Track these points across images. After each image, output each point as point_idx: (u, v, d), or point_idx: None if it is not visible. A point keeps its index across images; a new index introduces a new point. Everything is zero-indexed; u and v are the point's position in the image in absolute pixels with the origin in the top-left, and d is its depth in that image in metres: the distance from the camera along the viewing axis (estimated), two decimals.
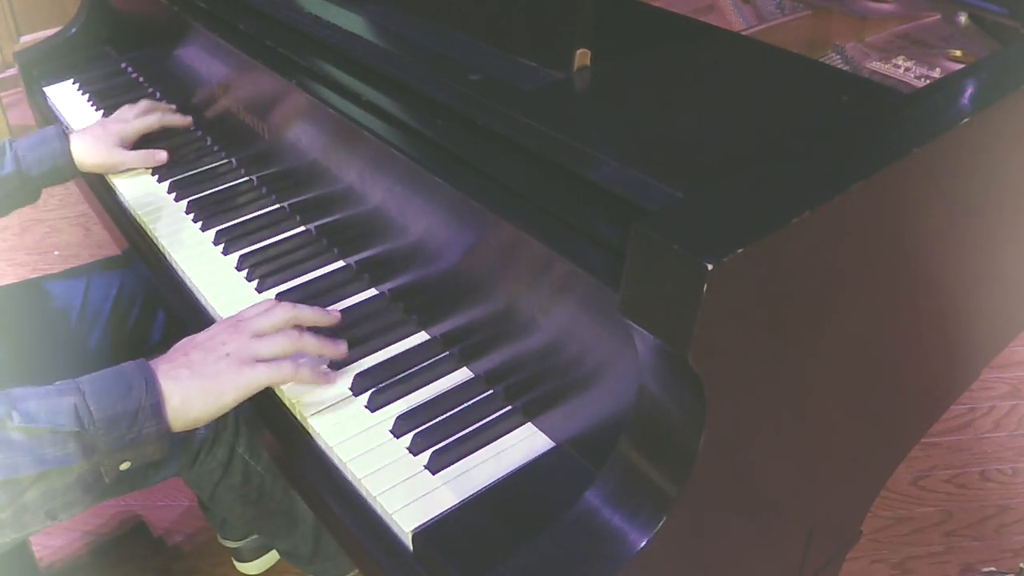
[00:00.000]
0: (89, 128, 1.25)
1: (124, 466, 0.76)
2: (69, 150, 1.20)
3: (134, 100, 1.47)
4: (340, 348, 0.88)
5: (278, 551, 1.39)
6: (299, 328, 0.86)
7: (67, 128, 1.25)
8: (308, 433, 0.87)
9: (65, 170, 1.20)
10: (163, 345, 1.18)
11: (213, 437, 1.09)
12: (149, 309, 1.28)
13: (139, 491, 1.10)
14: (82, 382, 0.75)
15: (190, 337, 0.83)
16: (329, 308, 0.95)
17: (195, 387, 0.78)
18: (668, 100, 0.87)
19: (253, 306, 0.88)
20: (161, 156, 1.26)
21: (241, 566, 1.50)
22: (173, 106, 1.34)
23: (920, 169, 0.70)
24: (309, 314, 0.88)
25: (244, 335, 0.82)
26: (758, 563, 0.86)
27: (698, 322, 0.57)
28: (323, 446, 0.85)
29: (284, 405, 0.90)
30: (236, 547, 1.48)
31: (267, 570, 1.51)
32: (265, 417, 0.91)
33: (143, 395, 0.75)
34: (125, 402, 0.74)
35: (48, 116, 1.54)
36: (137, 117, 1.27)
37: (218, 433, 1.09)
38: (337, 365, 0.91)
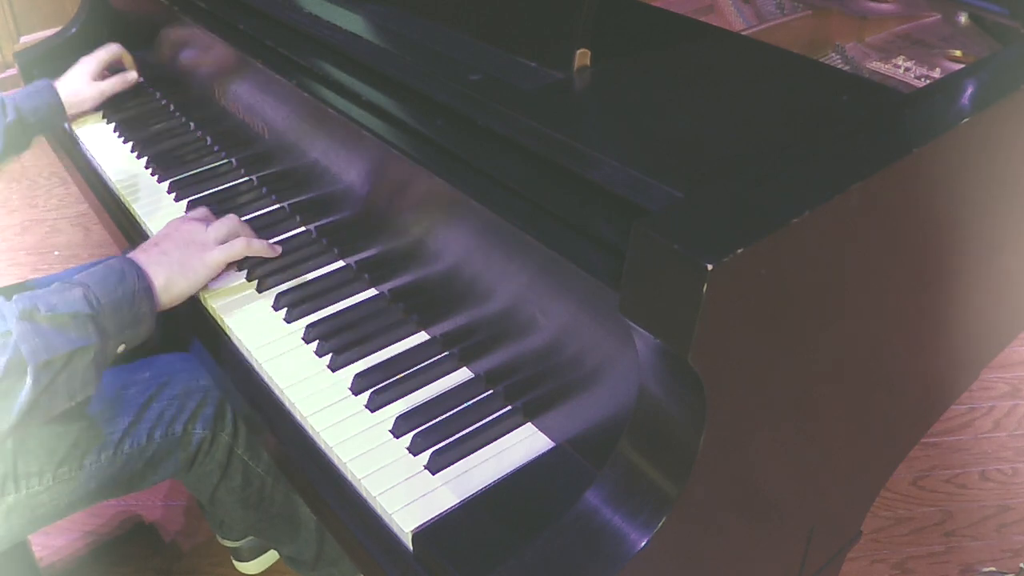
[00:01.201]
0: (65, 77, 1.41)
1: (120, 349, 0.91)
2: (59, 98, 1.35)
3: (134, 100, 1.48)
4: (276, 249, 1.07)
5: (281, 556, 1.39)
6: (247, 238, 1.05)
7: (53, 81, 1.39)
8: (308, 433, 0.87)
9: (57, 116, 1.36)
10: (166, 352, 1.20)
11: (211, 437, 1.09)
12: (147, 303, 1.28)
13: (139, 491, 1.10)
14: (81, 277, 0.88)
15: (155, 236, 1.02)
16: (329, 309, 0.99)
17: (175, 269, 0.95)
18: (668, 100, 0.87)
19: (197, 211, 1.09)
20: (131, 76, 1.45)
21: (240, 565, 1.50)
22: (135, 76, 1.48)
23: (920, 169, 0.70)
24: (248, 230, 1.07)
25: (200, 227, 1.02)
26: (758, 563, 0.86)
27: (698, 322, 0.57)
28: (323, 446, 0.85)
29: (284, 405, 0.90)
30: (235, 547, 1.48)
31: (266, 569, 1.51)
32: (265, 417, 0.91)
33: (135, 280, 0.90)
34: (123, 287, 0.89)
35: None
36: (98, 57, 1.43)
37: (216, 433, 1.09)
38: (338, 364, 0.92)
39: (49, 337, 0.82)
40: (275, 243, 1.10)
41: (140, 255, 0.95)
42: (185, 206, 1.19)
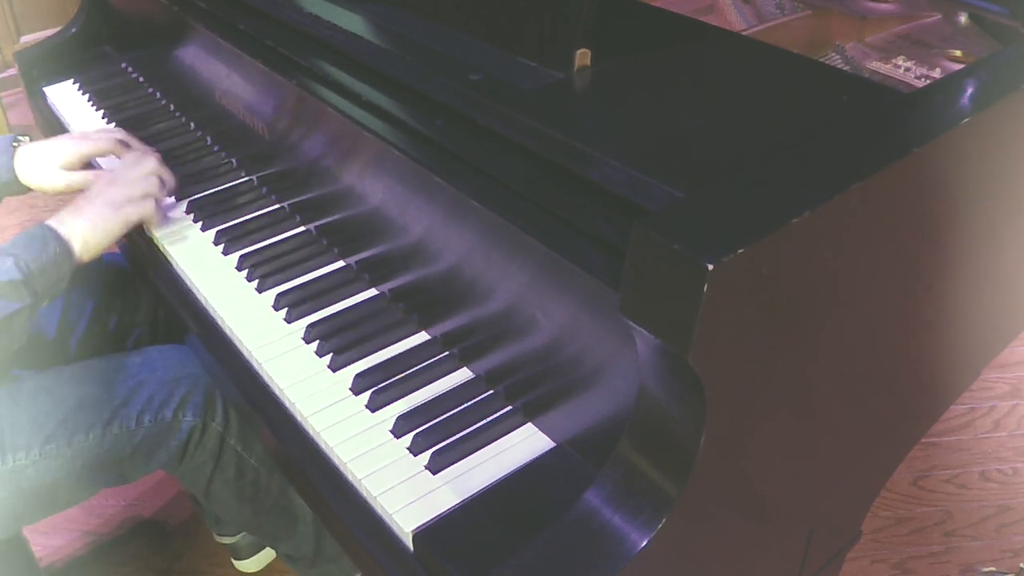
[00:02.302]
0: (39, 143, 1.21)
1: (45, 303, 1.02)
2: (12, 167, 1.17)
3: (134, 100, 1.48)
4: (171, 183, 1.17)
5: (279, 555, 1.39)
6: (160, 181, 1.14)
7: (24, 139, 1.20)
8: (308, 433, 0.87)
9: (10, 185, 1.18)
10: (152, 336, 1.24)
11: (202, 426, 1.09)
12: (128, 317, 1.28)
13: (139, 491, 1.11)
14: (7, 247, 0.98)
15: (79, 196, 1.09)
16: (329, 309, 1.00)
17: (88, 229, 1.04)
18: (668, 100, 0.87)
19: (124, 163, 1.16)
20: (91, 175, 1.18)
21: (239, 564, 1.50)
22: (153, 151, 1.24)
23: (920, 169, 0.70)
24: (165, 172, 1.16)
25: (119, 187, 1.10)
26: (758, 563, 0.86)
27: (698, 322, 0.57)
28: (323, 446, 0.85)
29: (284, 404, 0.90)
30: (232, 543, 1.48)
31: (265, 567, 1.50)
32: (266, 417, 0.91)
33: (56, 245, 1.00)
34: (47, 252, 0.99)
35: (48, 116, 1.54)
36: (88, 141, 1.20)
37: (207, 422, 1.09)
38: (338, 364, 0.92)
39: None
40: (276, 242, 1.10)
41: (57, 221, 1.04)
42: (185, 206, 1.19)
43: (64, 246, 1.01)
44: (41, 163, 1.17)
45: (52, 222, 1.04)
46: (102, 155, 1.22)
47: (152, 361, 1.09)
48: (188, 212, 1.19)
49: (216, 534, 1.48)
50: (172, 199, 1.21)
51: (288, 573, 1.48)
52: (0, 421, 1.00)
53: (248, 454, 1.15)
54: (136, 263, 1.23)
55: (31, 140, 1.20)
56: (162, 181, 1.15)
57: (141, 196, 1.10)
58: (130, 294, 1.30)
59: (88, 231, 1.04)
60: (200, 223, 1.16)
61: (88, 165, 1.19)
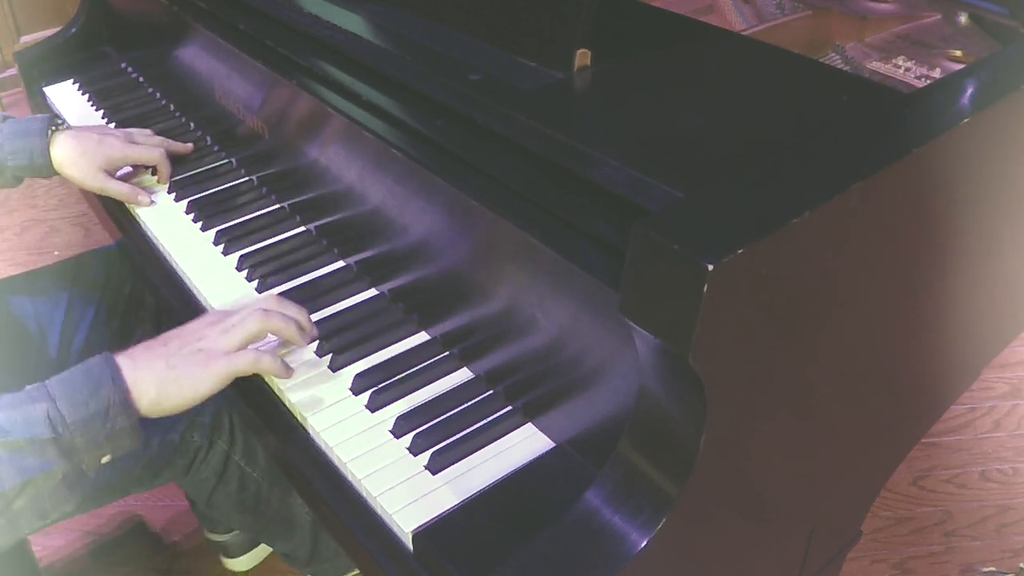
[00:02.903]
0: (83, 135, 1.14)
1: (105, 459, 0.78)
2: (48, 151, 1.11)
3: (134, 100, 1.48)
4: (308, 336, 0.91)
5: (276, 552, 1.39)
6: (266, 312, 0.87)
7: (62, 123, 1.15)
8: (308, 433, 0.87)
9: (42, 169, 1.13)
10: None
11: (208, 445, 1.09)
12: (138, 298, 1.27)
13: (137, 494, 1.10)
14: (50, 385, 0.76)
15: (179, 328, 0.86)
16: (329, 309, 0.98)
17: (169, 379, 0.79)
18: (668, 100, 0.87)
19: (236, 313, 0.89)
20: (144, 199, 1.18)
21: (229, 563, 1.47)
22: (190, 145, 1.26)
23: (920, 169, 0.70)
24: (279, 308, 0.90)
25: (219, 329, 0.85)
26: (758, 563, 0.86)
27: (698, 322, 0.57)
28: (323, 446, 0.85)
29: (284, 405, 0.90)
30: (222, 540, 1.46)
31: (258, 565, 1.50)
32: (265, 418, 0.91)
33: (111, 392, 0.76)
34: (96, 401, 0.75)
35: None
36: (137, 148, 1.17)
37: (213, 440, 1.09)
38: (338, 365, 0.92)
39: (5, 467, 0.71)
40: (275, 242, 1.10)
41: (128, 360, 0.79)
42: (185, 206, 1.19)
43: (122, 396, 0.76)
44: (82, 158, 1.11)
45: (122, 359, 0.79)
46: (147, 164, 1.18)
47: None
48: (188, 212, 1.18)
49: (207, 531, 1.48)
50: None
51: (277, 572, 1.48)
52: None
53: (251, 468, 1.15)
54: (135, 263, 1.23)
55: (68, 125, 1.14)
56: (279, 316, 0.88)
57: (248, 338, 0.86)
58: (134, 294, 1.29)
59: (171, 380, 0.79)
60: (200, 223, 1.16)
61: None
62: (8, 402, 0.73)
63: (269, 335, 0.89)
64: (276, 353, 0.88)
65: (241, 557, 1.48)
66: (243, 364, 0.83)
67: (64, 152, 1.11)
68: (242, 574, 1.49)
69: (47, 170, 1.14)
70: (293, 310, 0.91)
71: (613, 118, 0.84)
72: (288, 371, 0.88)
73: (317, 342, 0.94)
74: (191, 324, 0.87)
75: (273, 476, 1.18)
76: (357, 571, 1.35)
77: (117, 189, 1.16)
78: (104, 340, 1.25)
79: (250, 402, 0.93)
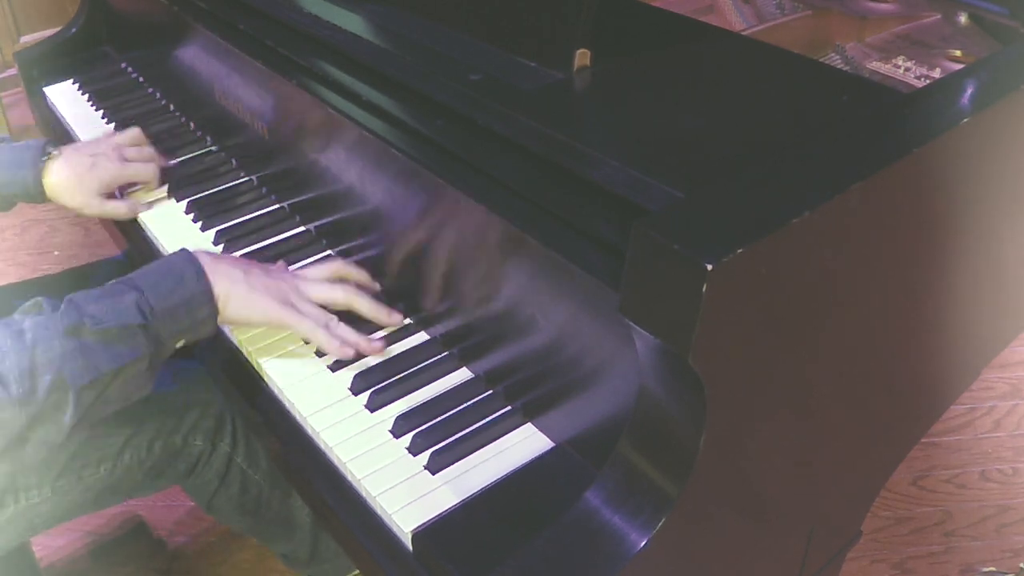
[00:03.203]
0: (73, 160, 1.11)
1: (180, 343, 0.84)
2: (41, 181, 1.10)
3: (134, 100, 1.48)
4: (394, 317, 0.93)
5: (275, 554, 1.39)
6: (354, 289, 0.92)
7: (53, 152, 1.11)
8: (308, 433, 0.87)
9: (36, 197, 1.12)
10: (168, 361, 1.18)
11: (211, 448, 1.09)
12: None
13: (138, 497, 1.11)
14: (135, 278, 0.81)
15: (258, 263, 0.91)
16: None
17: (240, 291, 0.85)
18: (668, 100, 0.87)
19: (316, 268, 0.95)
20: (136, 208, 1.17)
21: None
22: (176, 162, 1.25)
23: (920, 169, 0.70)
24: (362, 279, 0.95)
25: (296, 284, 0.90)
26: (758, 563, 0.86)
27: (698, 322, 0.57)
28: (323, 446, 0.85)
29: (284, 405, 0.90)
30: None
31: (259, 563, 1.50)
32: (265, 418, 0.91)
33: (195, 284, 0.82)
34: (180, 292, 0.81)
35: (48, 116, 1.54)
36: (131, 167, 1.15)
37: (216, 444, 1.09)
38: (337, 364, 0.92)
39: (95, 355, 0.76)
40: (276, 242, 1.10)
41: (209, 257, 0.85)
42: (185, 206, 1.19)
43: (204, 286, 0.82)
44: (76, 187, 1.10)
45: (202, 256, 0.84)
46: (141, 182, 1.17)
47: (162, 387, 1.02)
48: (188, 212, 1.18)
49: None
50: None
51: (275, 573, 1.48)
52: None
53: (253, 471, 1.15)
54: (135, 263, 1.23)
55: (59, 152, 1.11)
56: (366, 296, 0.91)
57: (313, 301, 0.90)
58: None
59: (240, 293, 0.84)
60: (200, 223, 1.16)
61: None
62: (98, 294, 0.78)
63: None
64: (337, 333, 0.89)
65: None
66: (306, 328, 0.88)
67: (58, 181, 1.10)
68: (267, 563, 1.47)
69: (41, 198, 1.12)
70: (370, 283, 0.96)
71: (613, 118, 0.84)
72: (346, 351, 0.89)
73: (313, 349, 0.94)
74: (276, 265, 0.93)
75: (274, 478, 1.19)
76: (356, 572, 1.36)
77: (114, 210, 1.16)
78: None
79: (251, 402, 0.93)
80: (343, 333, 0.89)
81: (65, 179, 1.09)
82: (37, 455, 0.77)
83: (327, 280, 0.93)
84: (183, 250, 0.84)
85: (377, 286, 0.96)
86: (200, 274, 0.83)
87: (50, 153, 1.11)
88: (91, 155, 1.13)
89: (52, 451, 0.78)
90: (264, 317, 0.87)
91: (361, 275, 0.96)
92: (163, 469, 1.06)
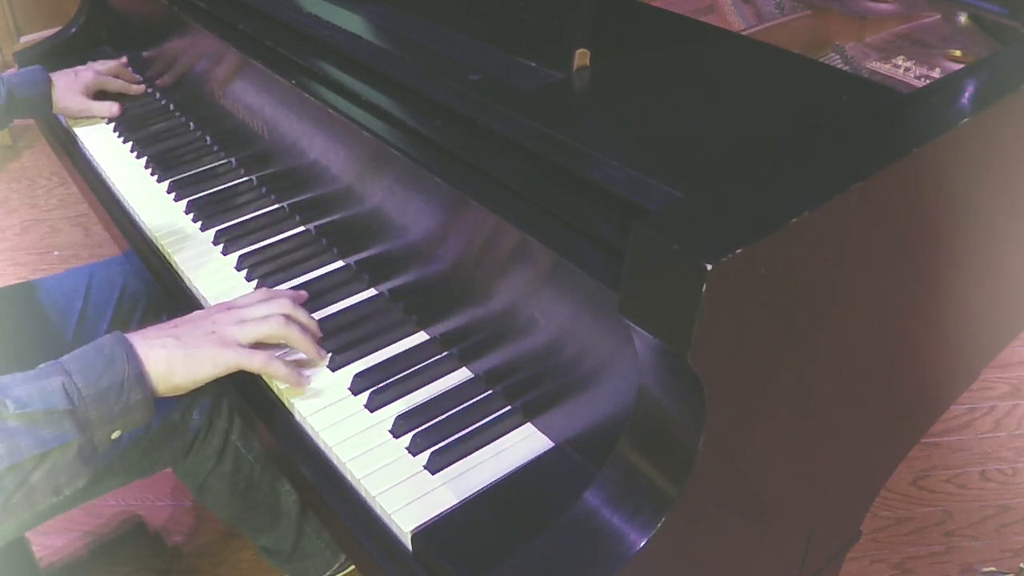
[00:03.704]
0: (64, 75, 1.43)
1: (115, 435, 0.80)
2: (50, 92, 1.40)
3: (134, 100, 1.48)
4: (322, 353, 0.92)
5: (258, 547, 1.39)
6: (288, 320, 0.89)
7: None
8: (307, 432, 0.87)
9: (44, 109, 1.40)
10: None
11: (208, 425, 1.09)
12: (154, 312, 1.27)
13: (139, 491, 1.11)
14: (64, 362, 0.78)
15: (189, 314, 0.89)
16: (328, 309, 0.99)
17: (179, 356, 0.82)
18: (668, 100, 0.87)
19: (251, 294, 0.94)
20: (114, 109, 1.44)
21: None
22: (139, 78, 1.52)
23: (920, 169, 0.70)
24: (300, 317, 0.92)
25: (232, 318, 0.88)
26: (758, 563, 0.86)
27: (698, 322, 0.57)
28: (322, 445, 0.85)
29: (283, 404, 0.90)
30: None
31: (258, 565, 1.50)
32: (264, 416, 0.91)
33: (125, 366, 0.79)
34: (110, 375, 0.78)
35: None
36: (101, 74, 1.46)
37: (212, 420, 1.09)
38: (337, 364, 0.92)
39: (17, 438, 0.72)
40: (275, 242, 1.10)
41: (139, 337, 0.83)
42: (184, 205, 1.19)
43: (136, 369, 0.79)
44: (68, 88, 1.41)
45: (134, 336, 0.82)
46: (111, 89, 1.46)
47: None
48: (187, 212, 1.19)
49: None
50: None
51: (260, 572, 1.48)
52: None
53: (247, 450, 1.16)
54: (138, 269, 1.23)
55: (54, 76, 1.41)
56: (298, 327, 0.90)
57: (249, 339, 0.87)
58: (149, 308, 1.27)
59: (179, 358, 0.82)
60: (200, 223, 1.16)
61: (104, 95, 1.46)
62: (23, 378, 0.76)
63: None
64: (290, 363, 0.89)
65: None
66: (257, 363, 0.86)
67: (58, 89, 1.41)
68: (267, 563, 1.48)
69: (47, 108, 1.41)
70: (309, 321, 0.92)
71: (613, 118, 0.84)
72: (302, 380, 0.89)
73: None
74: (203, 311, 0.90)
75: (265, 461, 1.19)
76: (336, 570, 1.36)
77: (100, 108, 1.45)
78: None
79: (249, 399, 0.93)
80: (283, 361, 0.88)
81: (61, 86, 1.42)
82: None
83: (261, 304, 0.90)
84: (115, 333, 0.82)
85: (317, 331, 0.94)
86: (131, 355, 0.80)
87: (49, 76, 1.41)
88: (72, 71, 1.46)
89: None
90: (214, 370, 0.84)
91: (301, 317, 0.92)
92: (161, 447, 1.06)
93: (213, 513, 1.43)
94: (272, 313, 0.88)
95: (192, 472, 1.17)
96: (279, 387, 0.90)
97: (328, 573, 1.37)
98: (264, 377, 0.92)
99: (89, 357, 0.78)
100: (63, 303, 1.20)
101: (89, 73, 1.45)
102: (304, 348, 0.90)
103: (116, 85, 1.47)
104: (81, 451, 0.76)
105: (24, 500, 0.74)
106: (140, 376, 0.79)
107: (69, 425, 0.74)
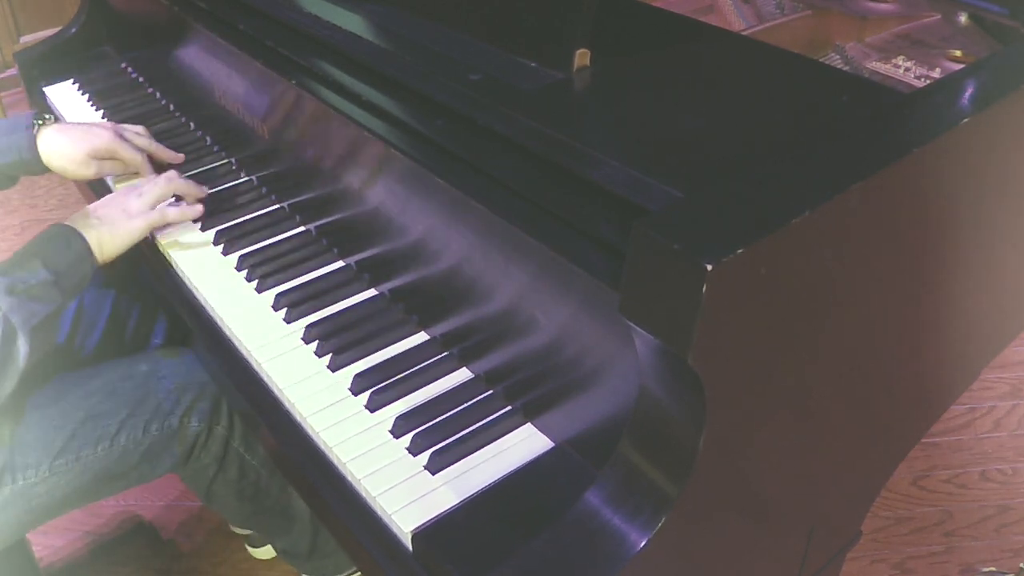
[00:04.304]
0: (68, 126, 1.18)
1: (67, 304, 1.02)
2: (35, 145, 1.14)
3: (134, 100, 1.48)
4: (203, 191, 1.16)
5: (275, 549, 1.39)
6: (170, 179, 1.12)
7: (48, 118, 1.16)
8: (307, 433, 0.87)
9: (32, 164, 1.16)
10: (165, 347, 1.19)
11: (207, 431, 1.09)
12: (148, 313, 1.28)
13: (139, 491, 1.11)
14: (34, 248, 0.98)
15: (100, 200, 1.08)
16: (328, 309, 1.00)
17: (105, 232, 1.03)
18: (668, 100, 0.87)
19: (147, 180, 1.14)
20: (147, 169, 1.20)
21: (253, 551, 1.51)
22: (180, 156, 1.27)
23: (920, 169, 0.70)
24: (184, 187, 1.13)
25: (135, 193, 1.09)
26: (758, 563, 0.86)
27: (698, 322, 0.57)
28: (323, 446, 0.85)
29: (284, 404, 0.90)
30: (247, 533, 1.49)
31: (258, 565, 1.51)
32: (264, 417, 0.91)
33: (78, 244, 1.00)
34: (71, 251, 1.00)
35: None
36: (124, 144, 1.18)
37: (211, 427, 1.09)
38: (337, 365, 0.92)
39: (32, 306, 0.94)
40: (276, 242, 1.11)
41: (79, 219, 1.04)
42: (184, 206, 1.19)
43: (84, 244, 1.01)
44: (69, 147, 1.14)
45: (69, 222, 1.03)
46: (128, 164, 1.19)
47: (159, 369, 1.08)
48: None
49: (231, 524, 1.49)
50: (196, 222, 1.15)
51: (277, 571, 1.48)
52: (8, 440, 0.98)
53: (251, 456, 1.16)
54: (136, 262, 1.23)
55: (54, 120, 1.16)
56: (183, 181, 1.13)
57: (156, 200, 1.09)
58: (148, 289, 1.28)
59: (105, 234, 1.03)
60: (200, 223, 1.16)
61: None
62: (13, 264, 0.96)
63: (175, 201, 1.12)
64: (179, 208, 1.12)
65: (264, 547, 1.49)
66: (155, 218, 1.09)
67: (51, 144, 1.14)
68: (267, 562, 1.51)
69: (37, 165, 1.16)
70: (191, 183, 1.14)
71: (613, 118, 0.84)
72: (193, 211, 1.13)
73: (317, 342, 0.94)
74: (113, 194, 1.10)
75: (272, 466, 1.19)
76: (356, 569, 1.36)
77: (112, 170, 1.19)
78: (118, 339, 1.25)
79: (250, 400, 0.93)
80: (174, 207, 1.11)
81: (57, 142, 1.15)
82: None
83: (152, 179, 1.12)
84: (58, 223, 1.02)
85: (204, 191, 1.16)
86: (78, 235, 1.01)
87: (45, 119, 1.16)
88: (87, 124, 1.23)
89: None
90: (132, 238, 1.05)
91: (184, 186, 1.13)
92: (160, 452, 1.06)
93: (226, 518, 1.44)
94: (160, 180, 1.11)
95: (195, 479, 1.17)
96: (279, 386, 0.90)
97: (347, 572, 1.37)
98: (267, 379, 0.92)
99: (47, 242, 0.99)
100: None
101: (105, 132, 1.16)
102: (186, 191, 1.13)
103: (130, 156, 1.18)
104: (56, 313, 0.99)
105: (33, 356, 0.95)
106: (89, 250, 1.01)
107: (56, 293, 0.97)
